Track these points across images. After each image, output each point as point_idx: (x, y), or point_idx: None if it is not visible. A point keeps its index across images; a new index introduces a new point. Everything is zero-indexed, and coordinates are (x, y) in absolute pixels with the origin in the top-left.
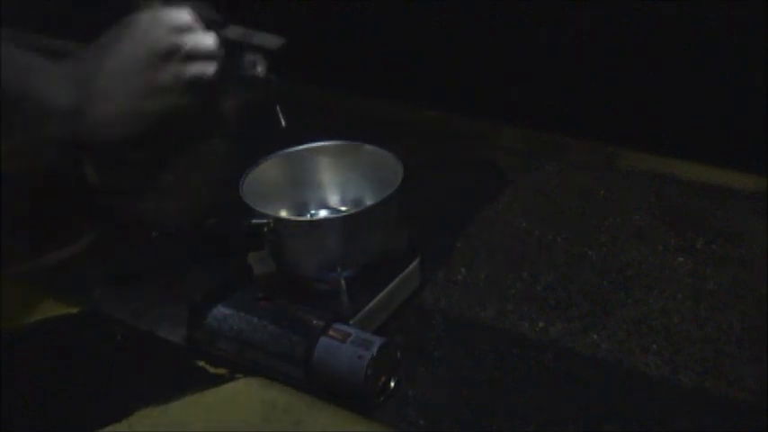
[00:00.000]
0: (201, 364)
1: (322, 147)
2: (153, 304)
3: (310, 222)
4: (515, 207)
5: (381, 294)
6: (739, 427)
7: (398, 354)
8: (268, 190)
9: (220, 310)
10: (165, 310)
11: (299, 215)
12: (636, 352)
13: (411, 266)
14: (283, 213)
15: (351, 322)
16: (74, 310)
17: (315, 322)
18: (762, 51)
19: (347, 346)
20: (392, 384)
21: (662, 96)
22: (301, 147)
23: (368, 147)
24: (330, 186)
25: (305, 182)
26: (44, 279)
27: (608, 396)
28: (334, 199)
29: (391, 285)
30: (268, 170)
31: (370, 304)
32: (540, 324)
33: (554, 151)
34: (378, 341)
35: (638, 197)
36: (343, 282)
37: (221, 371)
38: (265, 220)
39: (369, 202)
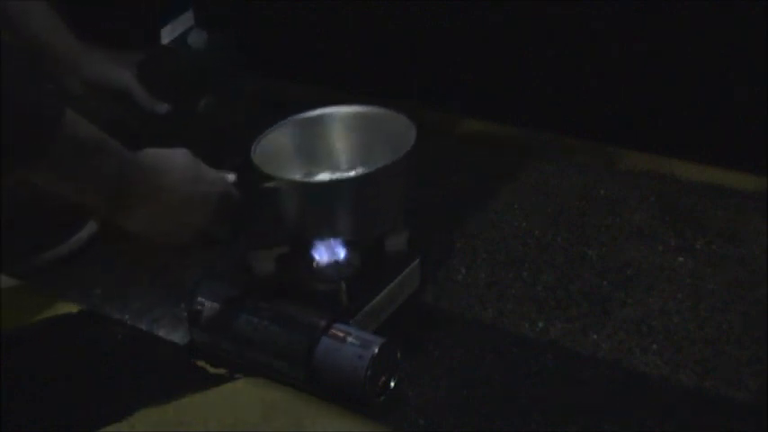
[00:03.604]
0: (201, 364)
1: (334, 112)
2: (153, 304)
3: (321, 184)
4: (515, 207)
5: (381, 294)
6: (739, 427)
7: (398, 354)
8: (279, 156)
9: (220, 310)
10: (165, 310)
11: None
12: (636, 352)
13: (411, 266)
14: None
15: (351, 322)
16: (74, 310)
17: (315, 322)
18: (762, 51)
19: (347, 346)
20: (392, 384)
21: (662, 96)
22: (313, 112)
23: (380, 110)
24: (342, 152)
25: (317, 148)
26: (44, 278)
27: (608, 396)
28: (346, 164)
29: (391, 285)
30: (279, 136)
31: (370, 304)
32: (540, 324)
33: (554, 151)
34: (378, 341)
35: (638, 197)
36: (343, 282)
37: (221, 371)
38: (276, 184)
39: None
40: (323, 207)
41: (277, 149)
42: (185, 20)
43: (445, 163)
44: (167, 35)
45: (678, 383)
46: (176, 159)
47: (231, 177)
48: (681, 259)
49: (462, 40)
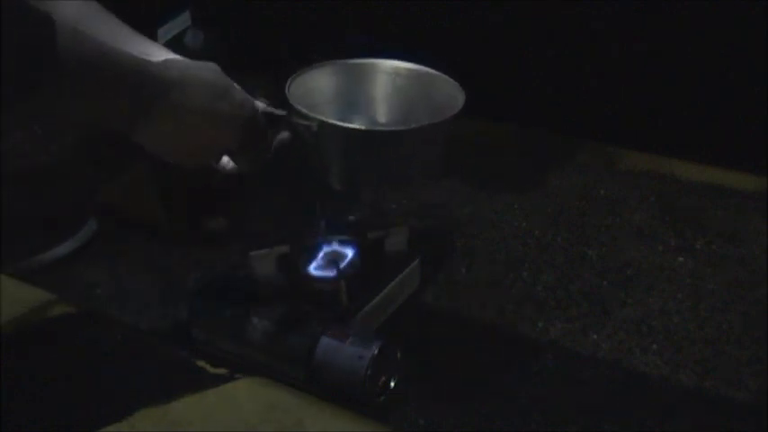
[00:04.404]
0: (201, 364)
1: (378, 63)
2: (153, 304)
3: (363, 132)
4: (515, 207)
5: (381, 294)
6: (739, 427)
7: (398, 354)
8: (314, 96)
9: (220, 310)
10: (165, 310)
11: None
12: (636, 352)
13: (411, 266)
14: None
15: (351, 322)
16: (74, 310)
17: (315, 322)
18: (762, 51)
19: (347, 346)
20: (392, 384)
21: (662, 96)
22: (355, 60)
23: (428, 70)
24: (381, 104)
25: (354, 96)
26: (44, 278)
27: (608, 396)
28: (383, 118)
29: (391, 285)
30: (317, 77)
31: (370, 304)
32: (540, 324)
33: (554, 151)
34: (378, 341)
35: (638, 197)
36: (343, 282)
37: (221, 371)
38: (309, 123)
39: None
40: (355, 155)
41: (313, 89)
42: (182, 20)
43: (445, 163)
44: (164, 35)
45: (678, 383)
46: (203, 74)
47: (261, 105)
48: (681, 259)
49: (462, 40)
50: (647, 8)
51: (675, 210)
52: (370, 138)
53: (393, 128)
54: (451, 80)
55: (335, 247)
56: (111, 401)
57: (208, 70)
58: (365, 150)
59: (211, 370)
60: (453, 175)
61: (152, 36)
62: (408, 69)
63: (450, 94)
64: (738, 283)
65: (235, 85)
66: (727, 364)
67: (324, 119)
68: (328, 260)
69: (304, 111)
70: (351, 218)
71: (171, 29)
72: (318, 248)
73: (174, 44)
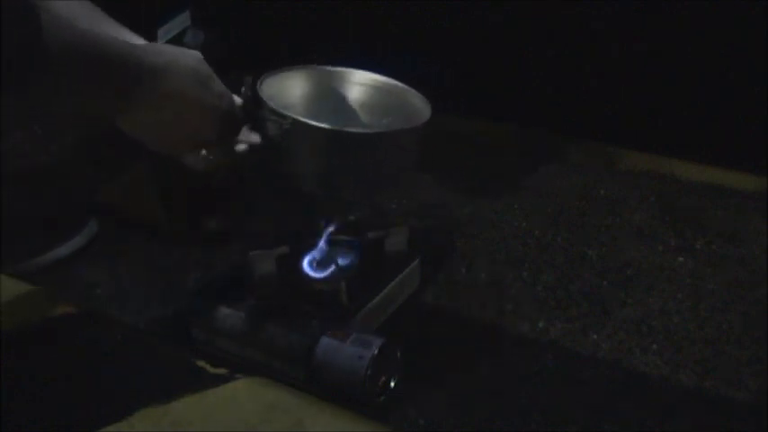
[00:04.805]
0: (201, 364)
1: (349, 72)
2: (153, 304)
3: (336, 132)
4: (515, 207)
5: (381, 294)
6: (739, 427)
7: (398, 354)
8: (284, 97)
9: (220, 310)
10: (166, 310)
11: None
12: (636, 352)
13: (411, 266)
14: None
15: (351, 322)
16: (74, 310)
17: (315, 322)
18: (762, 51)
19: (347, 346)
20: (392, 384)
21: (662, 96)
22: (327, 67)
23: (397, 84)
24: (348, 113)
25: (324, 101)
26: (44, 278)
27: (608, 396)
28: (349, 126)
29: (391, 285)
30: (289, 78)
31: (370, 304)
32: (540, 324)
33: (554, 151)
34: (378, 341)
35: (638, 197)
36: (343, 282)
37: (221, 371)
38: (282, 120)
39: None
40: (325, 155)
41: (283, 90)
42: (182, 20)
43: (445, 163)
44: (164, 35)
45: (678, 383)
46: (188, 61)
47: (238, 100)
48: (681, 259)
49: (462, 40)
50: (647, 8)
51: (675, 210)
52: (340, 138)
53: (366, 130)
54: (419, 94)
55: (335, 247)
56: (111, 401)
57: (191, 58)
58: (335, 151)
59: (211, 370)
60: (454, 174)
61: (152, 36)
62: (378, 81)
63: (417, 107)
64: (738, 283)
65: (215, 76)
66: (727, 364)
67: (297, 117)
68: (328, 260)
69: (278, 109)
70: (351, 218)
71: (171, 29)
72: (318, 248)
73: (174, 44)
